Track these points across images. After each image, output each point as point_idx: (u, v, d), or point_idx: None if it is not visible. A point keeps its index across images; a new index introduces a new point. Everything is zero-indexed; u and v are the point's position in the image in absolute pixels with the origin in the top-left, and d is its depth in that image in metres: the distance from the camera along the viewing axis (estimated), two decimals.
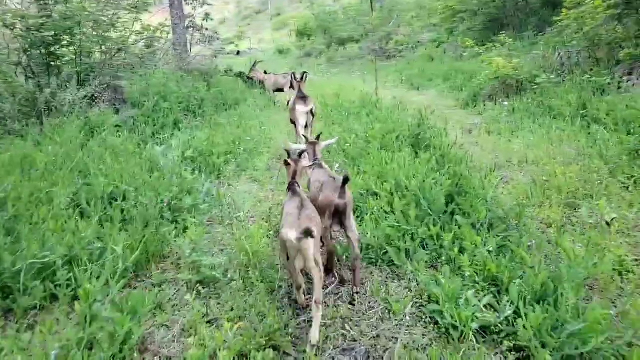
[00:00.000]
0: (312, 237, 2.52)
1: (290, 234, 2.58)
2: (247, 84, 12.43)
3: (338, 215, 3.11)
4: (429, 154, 4.52)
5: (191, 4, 19.41)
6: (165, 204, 4.21)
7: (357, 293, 3.12)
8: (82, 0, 10.00)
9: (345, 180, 3.04)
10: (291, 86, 11.56)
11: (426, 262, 3.38)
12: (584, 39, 8.57)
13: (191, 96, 9.05)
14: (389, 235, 3.53)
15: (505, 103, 7.97)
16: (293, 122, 6.68)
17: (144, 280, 3.57)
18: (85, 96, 8.69)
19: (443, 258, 3.34)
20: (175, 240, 3.84)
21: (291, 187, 3.16)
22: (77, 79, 9.68)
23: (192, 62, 10.99)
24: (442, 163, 4.51)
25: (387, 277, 3.40)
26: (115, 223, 3.75)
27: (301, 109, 6.44)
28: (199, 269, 3.41)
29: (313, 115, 6.61)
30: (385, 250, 3.50)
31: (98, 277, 3.07)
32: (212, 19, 20.06)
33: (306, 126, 6.55)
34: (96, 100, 8.95)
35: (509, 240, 3.40)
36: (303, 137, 4.88)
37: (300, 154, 3.57)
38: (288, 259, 2.74)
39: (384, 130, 6.13)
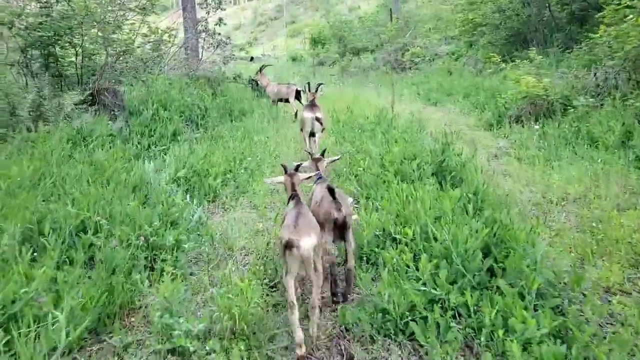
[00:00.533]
0: (309, 241, 2.58)
1: (291, 240, 2.57)
2: (255, 92, 11.76)
3: (338, 228, 3.13)
4: (459, 191, 3.76)
5: (205, 7, 18.93)
6: (142, 241, 3.50)
7: (345, 301, 3.17)
8: (86, 0, 9.45)
9: (331, 190, 3.09)
10: (297, 97, 10.88)
11: (460, 341, 2.62)
12: (624, 58, 7.78)
13: (194, 105, 8.39)
14: (412, 303, 2.78)
15: (536, 127, 7.18)
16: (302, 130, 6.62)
17: (104, 341, 2.86)
18: (83, 101, 8.10)
19: (482, 338, 2.58)
20: (149, 291, 3.13)
21: (293, 198, 3.09)
22: (78, 82, 9.11)
23: (199, 68, 10.34)
24: (476, 203, 3.74)
25: (408, 356, 2.66)
26: (77, 266, 3.05)
27: (307, 115, 6.35)
28: (170, 335, 2.70)
29: (320, 123, 6.45)
30: (406, 321, 2.76)
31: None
32: (225, 24, 19.53)
33: (312, 135, 6.47)
34: (94, 106, 8.35)
35: (566, 316, 2.64)
36: (307, 153, 4.73)
37: (297, 168, 3.42)
38: (286, 273, 2.65)
39: (403, 154, 5.38)
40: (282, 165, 3.47)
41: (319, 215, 3.10)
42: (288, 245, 2.57)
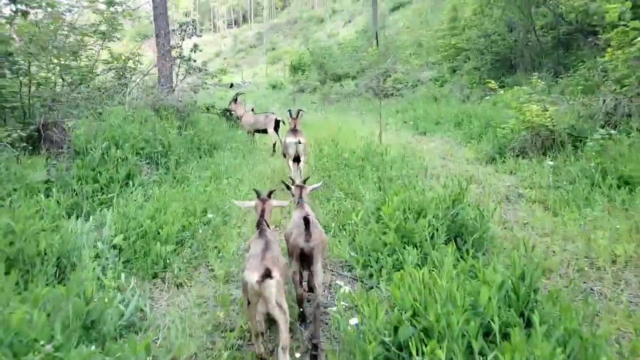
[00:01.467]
0: (271, 277, 2.39)
1: (251, 276, 2.45)
2: (230, 123, 10.60)
3: (305, 259, 2.93)
4: (499, 276, 2.60)
5: (180, 34, 17.89)
6: None
7: (314, 348, 2.74)
8: (36, 23, 8.24)
9: (306, 222, 2.85)
10: (276, 127, 9.76)
11: None
12: (638, 83, 6.89)
13: (156, 140, 7.16)
14: None
15: (549, 162, 6.15)
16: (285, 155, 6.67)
17: None
18: (27, 137, 6.84)
19: None
20: None
21: (259, 226, 2.96)
22: (24, 116, 7.83)
23: (168, 98, 9.16)
24: (527, 294, 2.58)
25: None
26: None
27: (290, 139, 6.40)
28: None
29: (304, 148, 6.48)
30: None
31: None
32: (200, 50, 18.53)
33: (296, 160, 6.51)
34: (36, 145, 7.08)
35: None
36: (290, 180, 4.53)
37: (270, 194, 3.31)
38: (249, 303, 2.52)
39: (404, 204, 4.24)
40: (254, 189, 3.34)
41: (288, 243, 3.04)
42: (245, 284, 2.51)
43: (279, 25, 62.73)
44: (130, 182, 5.79)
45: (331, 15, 58.25)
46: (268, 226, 3.01)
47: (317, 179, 6.59)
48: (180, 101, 9.25)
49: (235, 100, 10.43)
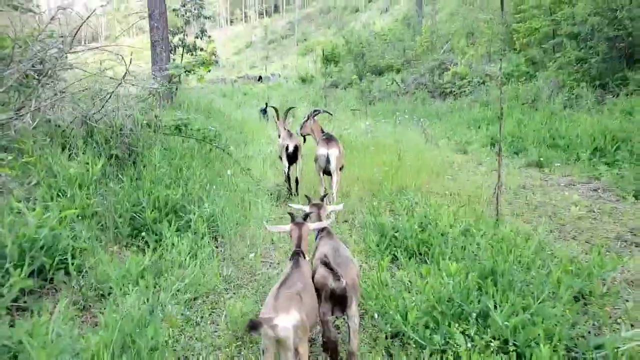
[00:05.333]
0: (256, 328, 1.89)
1: (262, 315, 2.04)
2: (217, 154, 6.14)
3: (336, 300, 2.34)
4: None
5: (182, 15, 13.69)
6: None
7: None
8: None
9: (325, 264, 2.28)
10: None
11: None
12: None
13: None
14: None
15: None
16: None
17: None
18: None
19: None
20: None
21: (293, 256, 2.49)
22: None
23: (108, 112, 4.89)
24: None
25: None
26: None
27: (322, 151, 4.89)
28: None
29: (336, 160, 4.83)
30: None
31: None
32: (209, 36, 14.29)
33: (327, 173, 4.98)
34: None
35: None
36: (305, 198, 3.37)
37: (306, 217, 2.78)
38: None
39: None
40: (289, 213, 2.85)
41: (315, 280, 2.41)
42: (251, 326, 1.88)
43: (311, 15, 58.18)
44: None
45: (366, 4, 53.27)
46: (304, 256, 2.50)
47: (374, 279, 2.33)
48: (129, 114, 4.96)
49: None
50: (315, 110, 5.49)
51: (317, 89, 20.57)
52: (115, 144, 4.64)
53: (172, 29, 12.49)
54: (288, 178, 5.61)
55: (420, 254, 3.72)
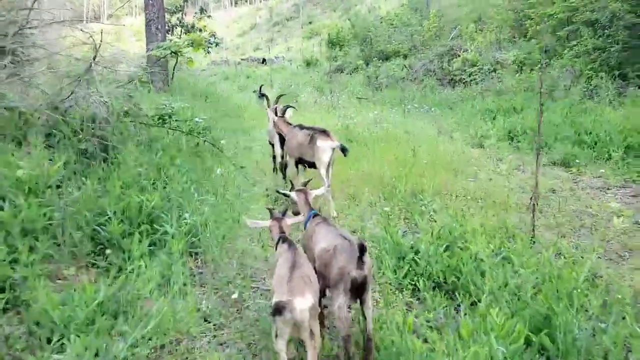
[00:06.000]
0: (282, 312, 1.95)
1: (282, 299, 2.01)
2: (204, 149, 5.31)
3: (355, 288, 2.27)
4: None
5: None
6: None
7: None
8: None
9: (362, 248, 2.23)
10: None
11: None
12: None
13: None
14: None
15: None
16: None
17: None
18: None
19: None
20: None
21: (284, 240, 2.47)
22: None
23: (78, 96, 4.12)
24: None
25: None
26: None
27: (325, 144, 4.43)
28: None
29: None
30: None
31: None
32: (209, 16, 13.36)
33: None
34: None
35: None
36: (290, 183, 3.47)
37: (284, 212, 2.79)
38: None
39: None
40: (267, 208, 2.93)
41: (330, 269, 2.34)
42: (277, 310, 1.98)
43: None
44: None
45: None
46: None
47: None
48: (106, 102, 4.18)
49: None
50: (287, 106, 5.25)
51: (321, 74, 19.65)
52: (85, 137, 3.90)
53: (169, 8, 11.61)
54: (281, 164, 5.42)
55: (446, 281, 3.00)
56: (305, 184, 3.22)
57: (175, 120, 4.57)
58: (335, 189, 4.97)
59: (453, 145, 6.85)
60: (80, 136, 3.87)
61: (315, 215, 2.84)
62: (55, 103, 3.96)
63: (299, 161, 4.77)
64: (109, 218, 3.12)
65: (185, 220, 3.32)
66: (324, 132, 4.53)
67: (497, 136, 7.27)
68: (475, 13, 21.72)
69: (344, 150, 4.32)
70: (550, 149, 6.46)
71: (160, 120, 4.51)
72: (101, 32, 3.85)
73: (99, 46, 3.83)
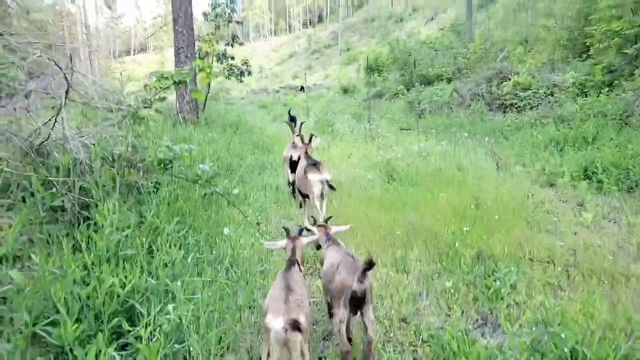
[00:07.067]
0: (300, 330, 1.99)
1: (275, 322, 2.05)
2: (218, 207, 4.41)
3: (355, 302, 2.35)
4: None
5: (213, 20, 12.27)
6: None
7: None
8: None
9: (370, 265, 2.26)
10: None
11: None
12: None
13: None
14: None
15: None
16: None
17: None
18: None
19: None
20: None
21: (292, 264, 2.53)
22: None
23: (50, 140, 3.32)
24: None
25: None
26: None
27: (314, 177, 4.42)
28: None
29: (331, 187, 4.38)
30: None
31: None
32: (241, 43, 12.78)
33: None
34: None
35: None
36: (311, 219, 3.79)
37: (300, 232, 2.87)
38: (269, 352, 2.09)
39: None
40: (284, 227, 2.90)
41: (333, 283, 2.46)
42: (267, 330, 2.04)
43: (355, 25, 56.56)
44: None
45: (411, 13, 51.02)
46: (300, 266, 2.59)
47: None
48: (86, 142, 3.36)
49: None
50: (312, 135, 5.16)
51: (359, 100, 18.77)
52: (61, 192, 3.06)
53: (200, 36, 11.10)
54: (293, 188, 5.54)
55: None
56: (326, 220, 3.29)
57: (179, 166, 3.68)
58: (376, 247, 3.90)
59: (517, 185, 5.63)
60: (54, 190, 3.04)
61: (329, 239, 2.92)
62: (29, 147, 3.16)
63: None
64: (61, 315, 2.20)
65: (168, 317, 2.35)
66: (315, 165, 4.52)
67: (570, 173, 5.98)
68: (521, 34, 20.45)
69: (330, 186, 4.29)
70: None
71: (161, 167, 3.63)
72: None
73: (71, 75, 3.02)
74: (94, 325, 2.38)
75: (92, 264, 2.63)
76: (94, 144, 3.44)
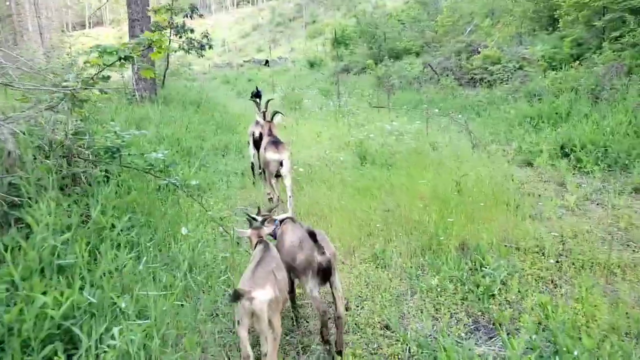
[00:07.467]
0: (239, 298, 2.00)
1: (241, 287, 2.10)
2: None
3: (322, 273, 2.41)
4: None
5: None
6: None
7: (339, 354, 2.39)
8: None
9: (312, 235, 2.37)
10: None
11: None
12: None
13: None
14: None
15: None
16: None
17: None
18: None
19: None
20: None
21: (263, 243, 2.53)
22: None
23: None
24: None
25: None
26: None
27: (272, 156, 4.39)
28: None
29: (288, 166, 4.45)
30: None
31: None
32: (200, 15, 11.94)
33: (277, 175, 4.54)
34: None
35: None
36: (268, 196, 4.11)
37: (264, 221, 2.81)
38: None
39: None
40: (247, 216, 2.85)
41: (297, 260, 2.48)
42: (235, 296, 2.00)
43: None
44: None
45: None
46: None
47: None
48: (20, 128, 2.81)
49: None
50: (275, 112, 5.08)
51: (327, 75, 18.22)
52: None
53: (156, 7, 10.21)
54: (252, 165, 5.58)
55: None
56: (270, 210, 3.12)
57: (128, 154, 3.18)
58: (352, 238, 3.57)
59: (495, 165, 5.40)
60: None
61: (282, 220, 2.90)
62: None
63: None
64: None
65: (113, 342, 1.93)
66: (275, 144, 4.47)
67: (548, 151, 5.80)
68: (488, 6, 20.23)
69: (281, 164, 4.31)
70: (629, 170, 5.01)
71: (109, 156, 3.11)
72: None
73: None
74: (19, 356, 1.94)
75: (22, 278, 2.16)
76: (23, 132, 2.89)
